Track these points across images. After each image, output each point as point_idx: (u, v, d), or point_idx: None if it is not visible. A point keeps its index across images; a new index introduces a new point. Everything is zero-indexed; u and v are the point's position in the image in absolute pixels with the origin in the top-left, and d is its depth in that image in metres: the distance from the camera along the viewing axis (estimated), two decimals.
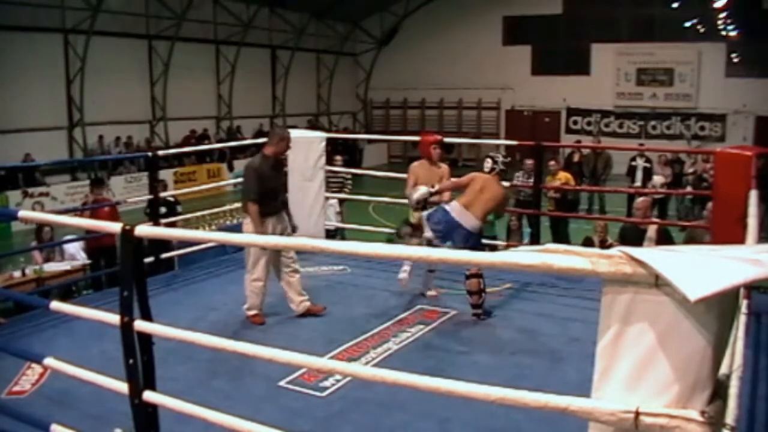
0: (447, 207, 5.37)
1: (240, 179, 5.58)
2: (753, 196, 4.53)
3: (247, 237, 2.71)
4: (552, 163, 10.10)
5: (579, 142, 17.93)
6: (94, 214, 7.29)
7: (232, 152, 19.18)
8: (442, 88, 24.87)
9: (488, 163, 5.53)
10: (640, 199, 7.32)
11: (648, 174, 12.97)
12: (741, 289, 1.72)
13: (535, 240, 7.09)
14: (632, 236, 6.70)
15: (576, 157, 13.42)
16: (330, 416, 3.74)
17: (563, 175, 10.01)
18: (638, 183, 12.92)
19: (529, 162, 9.49)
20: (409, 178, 6.15)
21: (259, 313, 5.24)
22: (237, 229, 7.76)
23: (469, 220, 5.25)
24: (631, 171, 13.43)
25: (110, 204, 7.77)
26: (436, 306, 5.56)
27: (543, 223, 8.09)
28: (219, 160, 19.22)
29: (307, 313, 5.31)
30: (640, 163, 13.24)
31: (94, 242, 7.46)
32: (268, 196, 5.12)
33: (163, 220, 6.90)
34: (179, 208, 8.40)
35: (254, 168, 5.12)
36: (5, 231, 12.89)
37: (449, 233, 5.28)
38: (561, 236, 9.49)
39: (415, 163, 6.30)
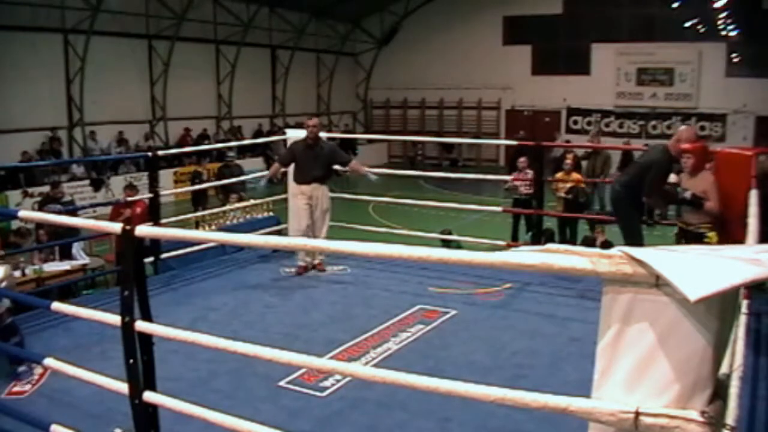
0: None
1: (240, 178, 5.58)
2: (753, 196, 4.54)
3: (246, 237, 2.71)
4: (567, 161, 9.71)
5: (568, 141, 17.85)
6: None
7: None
8: (442, 88, 24.85)
9: None
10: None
11: None
12: (741, 289, 1.73)
13: (535, 240, 7.09)
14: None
15: (571, 157, 13.32)
16: (330, 416, 3.74)
17: (576, 176, 9.66)
18: None
19: (522, 160, 9.40)
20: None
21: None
22: (237, 229, 7.78)
23: None
24: None
25: (139, 200, 7.78)
26: (436, 306, 5.56)
27: (545, 223, 8.09)
28: (218, 160, 19.18)
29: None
30: None
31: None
32: None
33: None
34: None
35: None
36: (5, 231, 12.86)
37: None
38: (569, 237, 9.33)
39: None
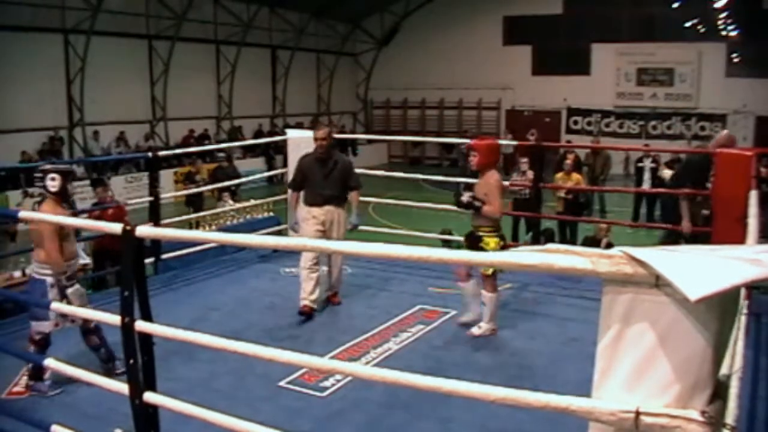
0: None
1: (234, 181, 5.54)
2: (753, 196, 4.54)
3: (246, 237, 2.71)
4: (567, 162, 9.73)
5: (570, 141, 17.85)
6: (100, 216, 7.33)
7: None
8: (442, 88, 24.85)
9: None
10: None
11: (655, 175, 12.94)
12: (741, 289, 1.72)
13: (535, 240, 7.08)
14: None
15: (571, 158, 13.37)
16: (330, 416, 3.74)
17: (576, 177, 9.73)
18: (646, 184, 12.87)
19: (524, 160, 9.41)
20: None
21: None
22: (237, 229, 7.77)
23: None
24: (639, 172, 13.43)
25: (112, 206, 7.71)
26: (436, 306, 5.56)
27: (544, 223, 8.08)
28: (217, 161, 19.15)
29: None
30: (647, 164, 13.23)
31: (97, 244, 7.48)
32: None
33: None
34: None
35: None
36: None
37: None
38: (569, 237, 9.31)
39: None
